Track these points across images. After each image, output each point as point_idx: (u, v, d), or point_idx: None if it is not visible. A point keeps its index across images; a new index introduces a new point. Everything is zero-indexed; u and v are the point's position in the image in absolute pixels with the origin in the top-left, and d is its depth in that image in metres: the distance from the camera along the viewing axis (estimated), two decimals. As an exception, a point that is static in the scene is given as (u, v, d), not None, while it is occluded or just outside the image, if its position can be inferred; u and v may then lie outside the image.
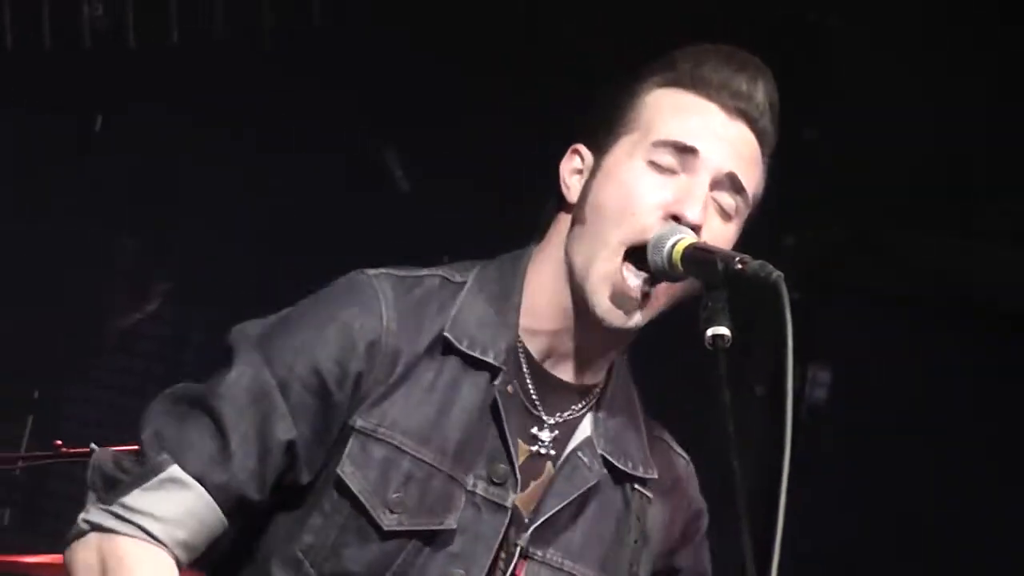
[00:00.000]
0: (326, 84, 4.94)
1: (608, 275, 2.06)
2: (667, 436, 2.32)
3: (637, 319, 2.07)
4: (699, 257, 2.01)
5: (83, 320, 5.26)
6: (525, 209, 2.35)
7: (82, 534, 2.09)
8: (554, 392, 2.18)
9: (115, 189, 5.09)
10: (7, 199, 5.03)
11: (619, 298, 2.05)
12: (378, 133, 5.18)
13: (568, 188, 2.16)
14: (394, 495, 2.12)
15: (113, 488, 2.08)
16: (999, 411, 5.06)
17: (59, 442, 3.94)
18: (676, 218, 2.05)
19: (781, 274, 1.95)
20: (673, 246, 2.03)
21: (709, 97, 2.10)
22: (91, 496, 2.10)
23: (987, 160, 4.92)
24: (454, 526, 2.12)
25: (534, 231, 2.20)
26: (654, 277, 2.06)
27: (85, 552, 2.09)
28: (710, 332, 1.96)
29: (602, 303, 2.07)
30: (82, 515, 2.10)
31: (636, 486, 2.24)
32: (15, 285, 5.02)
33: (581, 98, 2.39)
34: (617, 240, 2.06)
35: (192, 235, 5.20)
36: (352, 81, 4.99)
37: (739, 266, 1.97)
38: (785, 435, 1.86)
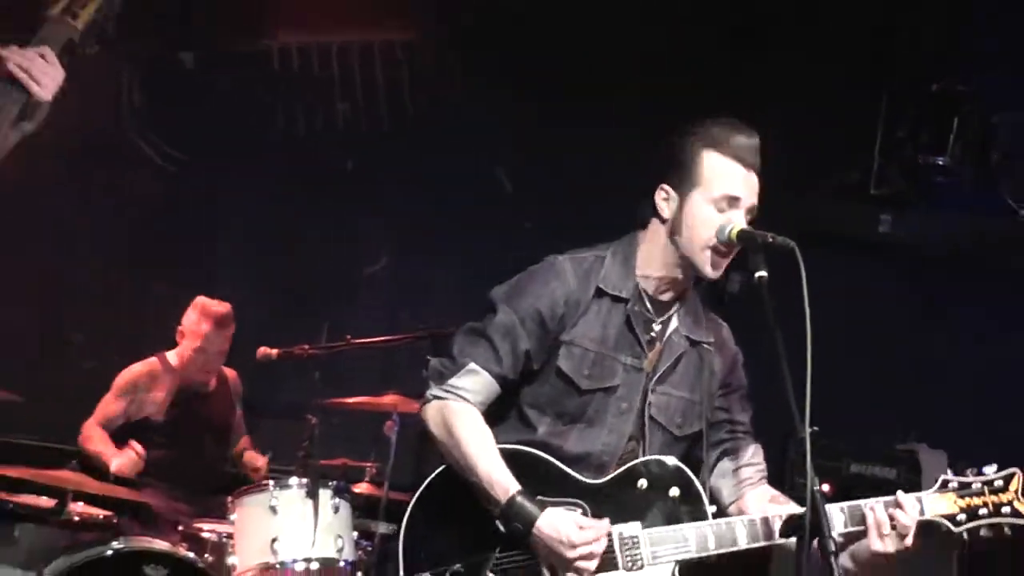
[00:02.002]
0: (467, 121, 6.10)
1: (708, 258, 2.83)
2: (717, 317, 3.06)
3: (720, 272, 2.85)
4: (746, 235, 2.74)
5: (347, 271, 6.49)
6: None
7: (428, 402, 2.85)
8: (660, 307, 2.91)
9: (361, 201, 6.47)
10: (299, 212, 6.32)
11: (716, 266, 2.84)
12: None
13: (661, 210, 2.88)
14: (585, 372, 2.85)
15: (441, 377, 2.85)
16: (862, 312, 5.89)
17: (348, 336, 5.02)
18: None
19: (795, 243, 2.60)
20: (730, 231, 2.80)
21: (738, 160, 2.83)
22: (431, 383, 2.86)
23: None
24: (618, 383, 2.84)
25: (636, 223, 2.94)
26: (720, 248, 2.81)
27: (433, 411, 2.84)
28: (757, 274, 2.64)
29: (708, 270, 2.85)
30: (428, 391, 2.85)
31: (704, 346, 2.97)
32: (309, 259, 6.40)
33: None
34: (703, 246, 2.84)
35: (417, 227, 6.43)
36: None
37: (770, 240, 2.66)
38: (807, 353, 2.48)
